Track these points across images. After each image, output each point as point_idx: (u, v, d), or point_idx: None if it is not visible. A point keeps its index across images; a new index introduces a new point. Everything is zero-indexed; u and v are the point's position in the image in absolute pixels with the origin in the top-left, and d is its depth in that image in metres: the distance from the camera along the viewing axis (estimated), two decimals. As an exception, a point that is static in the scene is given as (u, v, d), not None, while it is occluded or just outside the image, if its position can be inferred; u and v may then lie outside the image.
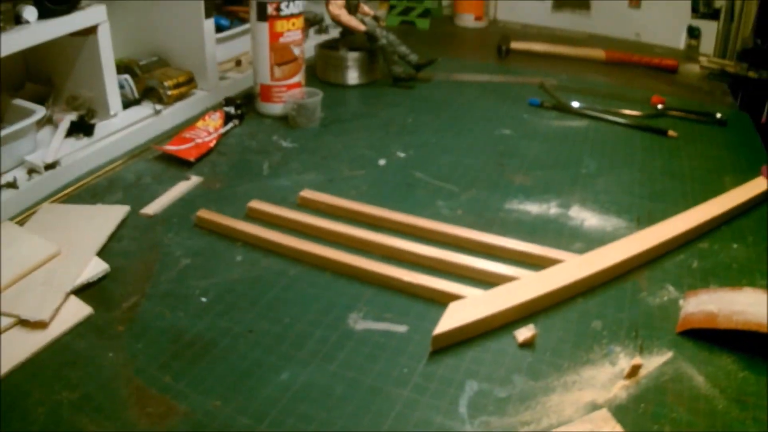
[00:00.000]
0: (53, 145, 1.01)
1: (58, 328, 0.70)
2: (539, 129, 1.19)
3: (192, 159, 1.04)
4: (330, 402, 0.62)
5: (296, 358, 0.67)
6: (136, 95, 1.19)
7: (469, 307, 0.70)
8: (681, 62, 1.62)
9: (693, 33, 1.85)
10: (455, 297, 0.73)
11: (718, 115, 1.25)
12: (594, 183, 1.01)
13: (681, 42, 1.85)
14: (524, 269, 0.79)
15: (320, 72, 1.44)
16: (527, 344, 0.69)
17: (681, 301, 0.75)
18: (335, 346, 0.69)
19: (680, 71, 1.60)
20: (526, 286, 0.74)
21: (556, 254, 0.81)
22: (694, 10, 1.77)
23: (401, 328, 0.71)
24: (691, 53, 1.82)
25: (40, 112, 1.00)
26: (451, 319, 0.68)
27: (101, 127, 1.10)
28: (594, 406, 0.60)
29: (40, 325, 0.70)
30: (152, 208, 0.92)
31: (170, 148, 1.06)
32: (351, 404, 0.62)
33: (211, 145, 1.09)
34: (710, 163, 1.08)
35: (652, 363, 0.66)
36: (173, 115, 1.20)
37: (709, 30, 1.79)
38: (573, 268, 0.77)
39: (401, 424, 0.60)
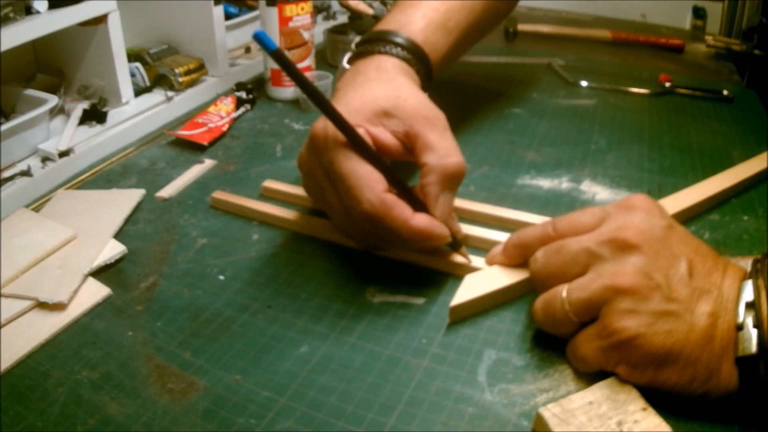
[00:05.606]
0: (66, 132, 1.02)
1: (76, 309, 0.71)
2: (548, 107, 1.20)
3: (205, 143, 1.05)
4: (349, 373, 0.63)
5: (315, 332, 0.68)
6: (147, 83, 1.19)
7: (486, 278, 0.71)
8: (687, 42, 1.62)
9: (698, 13, 1.86)
10: (471, 269, 0.74)
11: (725, 92, 1.25)
12: (604, 158, 1.02)
13: (686, 22, 1.85)
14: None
15: (330, 57, 1.44)
16: (543, 314, 0.69)
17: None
18: (353, 319, 0.69)
19: (686, 50, 1.60)
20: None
21: (569, 227, 0.81)
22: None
23: (418, 301, 0.72)
24: (697, 33, 1.82)
25: (53, 100, 1.01)
26: (467, 290, 0.69)
27: (113, 114, 1.10)
28: (611, 373, 0.61)
29: (59, 306, 0.70)
30: (167, 192, 0.93)
31: (183, 133, 1.07)
32: (370, 375, 0.63)
33: (224, 129, 1.10)
34: (718, 139, 1.08)
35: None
36: (185, 101, 1.20)
37: (715, 10, 1.80)
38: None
39: (421, 393, 0.61)
